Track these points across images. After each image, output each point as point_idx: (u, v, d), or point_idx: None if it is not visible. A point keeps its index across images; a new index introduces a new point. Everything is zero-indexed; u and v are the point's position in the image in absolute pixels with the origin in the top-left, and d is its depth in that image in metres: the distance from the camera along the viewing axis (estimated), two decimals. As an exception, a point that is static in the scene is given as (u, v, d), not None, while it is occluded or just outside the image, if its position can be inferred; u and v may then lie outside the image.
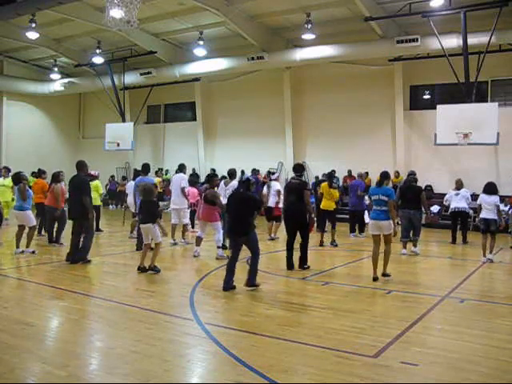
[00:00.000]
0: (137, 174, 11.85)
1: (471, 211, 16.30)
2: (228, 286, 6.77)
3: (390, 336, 4.91)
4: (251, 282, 6.78)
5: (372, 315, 5.77)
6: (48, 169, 13.87)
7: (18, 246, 9.56)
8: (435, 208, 17.02)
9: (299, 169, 8.95)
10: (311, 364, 4.19)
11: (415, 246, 10.67)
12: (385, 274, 7.70)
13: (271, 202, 12.17)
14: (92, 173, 13.31)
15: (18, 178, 9.73)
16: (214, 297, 6.61)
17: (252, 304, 6.14)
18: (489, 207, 9.70)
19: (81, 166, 9.06)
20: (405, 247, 10.61)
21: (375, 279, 7.58)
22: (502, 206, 14.13)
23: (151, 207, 8.04)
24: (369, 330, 5.13)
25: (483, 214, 9.74)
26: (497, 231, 9.91)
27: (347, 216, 14.20)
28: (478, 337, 5.05)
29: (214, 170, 22.16)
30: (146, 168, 10.93)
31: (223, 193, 10.62)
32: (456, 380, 3.94)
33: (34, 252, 9.55)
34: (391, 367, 4.13)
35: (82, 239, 8.78)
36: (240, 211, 6.93)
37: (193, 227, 13.78)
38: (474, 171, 16.64)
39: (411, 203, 10.56)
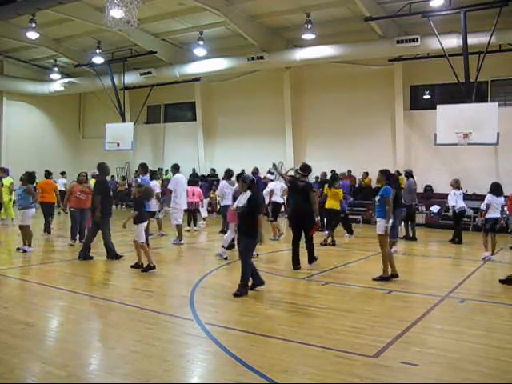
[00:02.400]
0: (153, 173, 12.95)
1: (471, 211, 16.40)
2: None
3: (390, 336, 4.90)
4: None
5: (372, 315, 5.77)
6: (48, 169, 13.91)
7: (30, 245, 9.70)
8: (435, 208, 17.04)
9: (306, 169, 8.88)
10: (311, 364, 4.19)
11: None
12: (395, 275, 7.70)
13: (280, 199, 12.37)
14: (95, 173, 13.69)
15: (33, 178, 10.17)
16: (214, 297, 6.60)
17: (252, 304, 6.13)
18: (497, 207, 10.01)
19: (99, 169, 9.63)
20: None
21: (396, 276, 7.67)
22: None
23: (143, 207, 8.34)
24: (369, 330, 5.13)
25: (494, 214, 9.92)
26: (499, 230, 10.19)
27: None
28: (478, 337, 5.05)
29: (213, 169, 22.21)
30: (144, 167, 11.34)
31: (227, 191, 10.84)
32: (456, 380, 3.94)
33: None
34: (391, 367, 4.13)
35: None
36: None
37: (195, 225, 14.05)
38: (474, 171, 16.66)
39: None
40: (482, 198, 16.21)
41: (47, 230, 12.36)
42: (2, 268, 8.05)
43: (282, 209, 13.43)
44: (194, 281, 7.39)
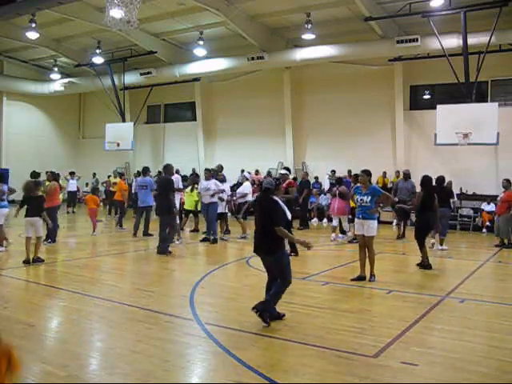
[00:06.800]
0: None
1: (472, 211, 16.41)
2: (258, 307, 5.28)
3: (390, 336, 4.90)
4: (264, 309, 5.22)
5: (372, 315, 5.77)
6: (48, 169, 13.96)
7: (2, 244, 9.86)
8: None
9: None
10: (311, 364, 4.19)
11: None
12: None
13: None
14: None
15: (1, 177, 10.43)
16: (214, 297, 6.61)
17: (252, 304, 6.11)
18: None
19: (169, 168, 10.35)
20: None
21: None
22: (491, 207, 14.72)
23: (39, 202, 8.81)
24: (369, 330, 5.13)
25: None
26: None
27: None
28: (478, 337, 5.05)
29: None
30: (145, 170, 13.33)
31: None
32: (456, 380, 3.93)
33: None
34: (391, 367, 4.13)
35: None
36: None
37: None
38: (474, 171, 16.67)
39: None
40: (482, 197, 16.33)
41: (119, 224, 14.11)
42: (1, 268, 8.05)
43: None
44: (194, 281, 7.38)
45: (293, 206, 10.43)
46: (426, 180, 9.11)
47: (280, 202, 5.44)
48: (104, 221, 16.71)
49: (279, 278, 5.36)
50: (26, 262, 8.44)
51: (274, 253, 5.28)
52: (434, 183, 11.03)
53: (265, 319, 5.14)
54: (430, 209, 8.86)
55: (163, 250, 9.74)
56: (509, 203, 11.49)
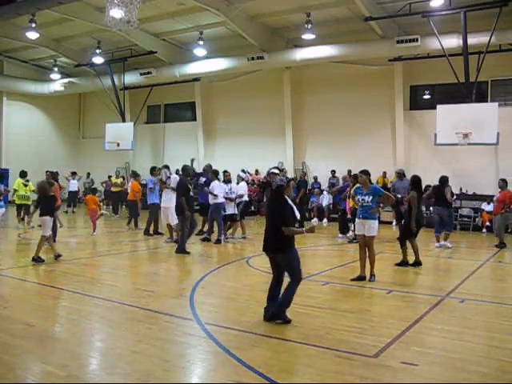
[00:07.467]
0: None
1: (472, 211, 16.41)
2: (267, 314, 5.40)
3: (390, 336, 4.90)
4: (279, 314, 5.34)
5: (372, 315, 5.77)
6: (48, 169, 13.96)
7: None
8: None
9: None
10: (311, 364, 4.19)
11: None
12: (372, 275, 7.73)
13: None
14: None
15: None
16: (214, 297, 6.61)
17: (252, 304, 6.13)
18: None
19: (185, 170, 10.62)
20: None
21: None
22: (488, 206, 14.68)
23: (50, 202, 8.98)
24: (369, 330, 5.13)
25: None
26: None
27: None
28: (478, 337, 5.05)
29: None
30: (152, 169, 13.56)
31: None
32: (456, 380, 3.93)
33: None
34: (391, 367, 4.13)
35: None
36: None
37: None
38: (474, 171, 16.67)
39: None
40: (482, 197, 16.33)
41: (135, 224, 14.12)
42: (1, 268, 8.05)
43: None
44: (194, 281, 7.39)
45: None
46: (416, 180, 9.10)
47: (289, 200, 5.46)
48: (108, 214, 16.98)
49: (290, 277, 5.37)
50: (38, 260, 8.55)
51: (284, 251, 5.32)
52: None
53: (284, 319, 5.27)
54: (418, 208, 8.93)
55: (178, 249, 9.98)
56: (504, 203, 11.52)
